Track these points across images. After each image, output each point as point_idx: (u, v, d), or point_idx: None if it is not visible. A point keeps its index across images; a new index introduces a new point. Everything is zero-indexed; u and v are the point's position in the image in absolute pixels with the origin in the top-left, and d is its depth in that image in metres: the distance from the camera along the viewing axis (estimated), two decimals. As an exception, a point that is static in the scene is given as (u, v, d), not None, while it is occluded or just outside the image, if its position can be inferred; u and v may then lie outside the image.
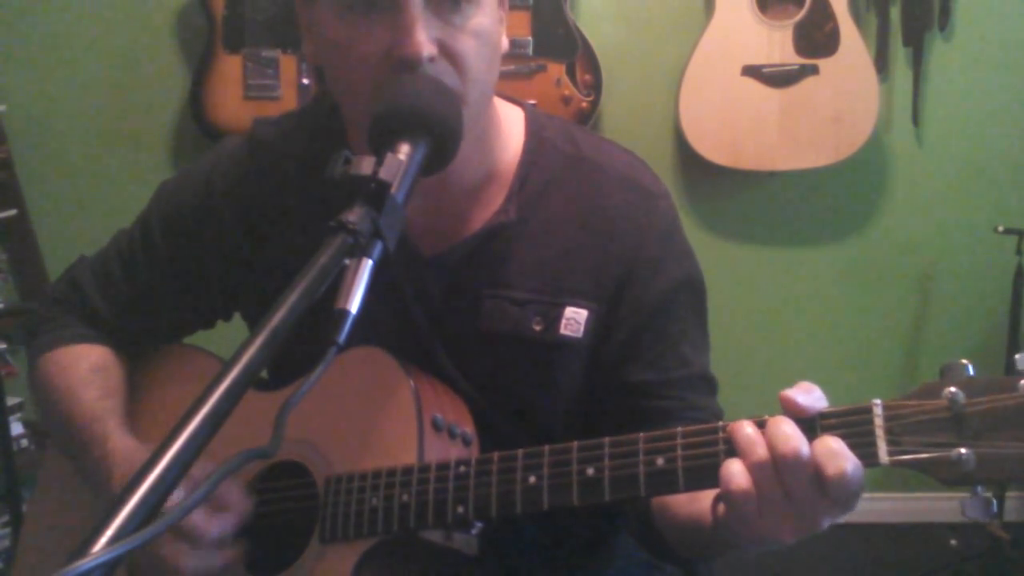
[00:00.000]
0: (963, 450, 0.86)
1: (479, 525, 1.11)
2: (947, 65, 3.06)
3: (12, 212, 2.89)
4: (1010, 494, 3.02)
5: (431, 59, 1.06)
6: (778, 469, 0.90)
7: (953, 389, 0.88)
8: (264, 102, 2.80)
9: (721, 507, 0.98)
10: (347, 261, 0.88)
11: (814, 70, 2.85)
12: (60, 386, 1.32)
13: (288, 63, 2.82)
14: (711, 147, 2.91)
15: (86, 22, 3.00)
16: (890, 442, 0.89)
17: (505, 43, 1.18)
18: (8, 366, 2.82)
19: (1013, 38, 3.05)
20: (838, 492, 0.89)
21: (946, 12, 2.99)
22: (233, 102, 2.82)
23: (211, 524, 1.12)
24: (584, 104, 2.85)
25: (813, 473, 0.89)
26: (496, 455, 1.07)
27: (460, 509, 1.07)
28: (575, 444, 1.03)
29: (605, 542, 1.40)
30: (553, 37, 2.82)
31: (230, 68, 2.82)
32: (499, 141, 1.25)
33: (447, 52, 1.08)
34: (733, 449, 0.94)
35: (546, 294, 1.22)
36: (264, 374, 1.11)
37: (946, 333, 3.21)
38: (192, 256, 1.33)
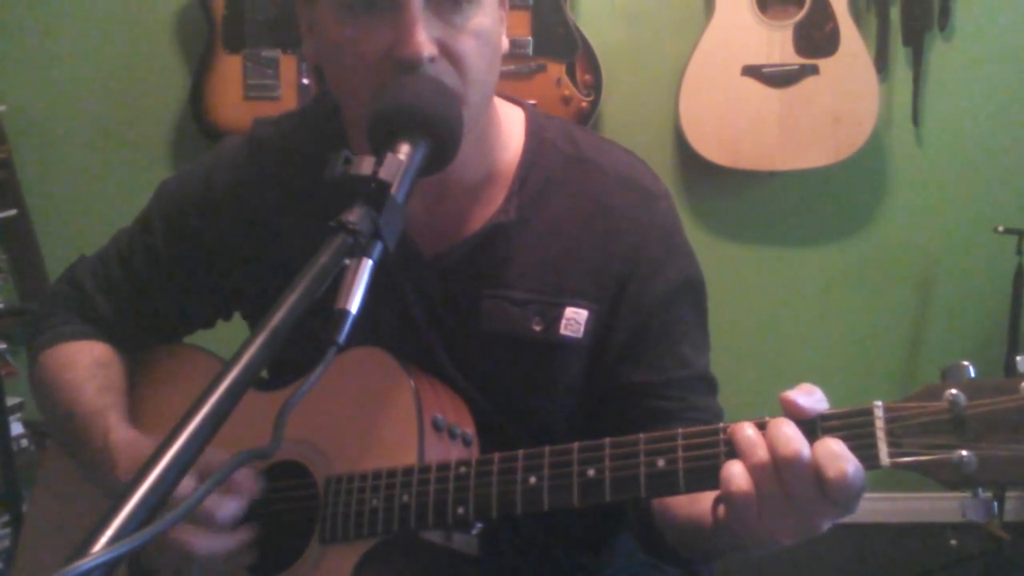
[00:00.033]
0: (964, 452, 0.86)
1: (479, 525, 1.11)
2: (947, 65, 3.05)
3: (12, 212, 2.90)
4: (1010, 494, 3.02)
5: (431, 59, 1.06)
6: (779, 471, 0.90)
7: (954, 391, 0.87)
8: (264, 102, 2.80)
9: (721, 508, 0.98)
10: (347, 261, 0.88)
11: (814, 70, 2.85)
12: (61, 381, 1.32)
13: (288, 63, 2.82)
14: (711, 147, 2.91)
15: (86, 22, 2.99)
16: (891, 444, 0.89)
17: (505, 43, 1.18)
18: (8, 366, 2.82)
19: (1013, 38, 3.05)
20: (839, 494, 0.89)
21: (946, 12, 2.99)
22: (233, 102, 2.82)
23: (222, 505, 1.12)
24: (584, 104, 2.85)
25: (814, 475, 0.89)
26: (496, 456, 1.07)
27: (460, 510, 1.07)
28: (576, 445, 1.03)
29: (605, 542, 1.40)
30: (553, 37, 2.82)
31: (230, 68, 2.82)
32: (499, 141, 1.25)
33: (448, 52, 1.08)
34: (734, 451, 0.93)
35: (546, 294, 1.22)
36: (264, 374, 1.11)
37: (946, 333, 3.21)
38: (192, 256, 1.33)
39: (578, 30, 2.83)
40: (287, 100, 2.81)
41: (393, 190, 0.92)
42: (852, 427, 0.91)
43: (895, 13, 2.99)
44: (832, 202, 3.15)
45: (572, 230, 1.23)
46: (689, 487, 0.97)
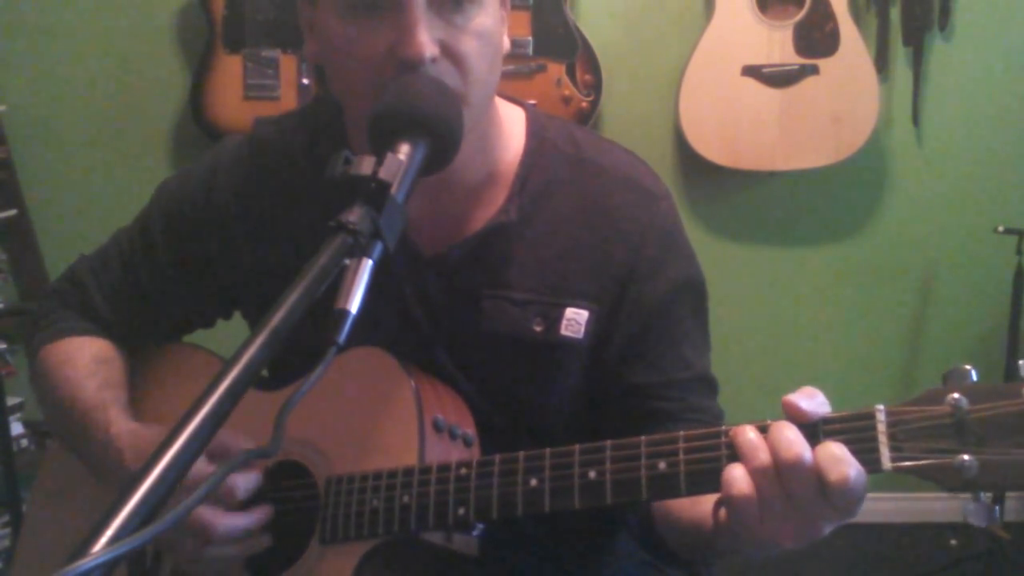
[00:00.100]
0: (966, 457, 0.86)
1: (480, 526, 1.11)
2: (947, 65, 3.05)
3: (12, 212, 2.90)
4: (1010, 494, 3.02)
5: (433, 60, 1.06)
6: (780, 474, 0.90)
7: (956, 395, 0.87)
8: (264, 102, 2.80)
9: (723, 511, 0.97)
10: (347, 261, 0.88)
11: (814, 70, 2.85)
12: (61, 376, 1.32)
13: (288, 63, 2.82)
14: (711, 147, 2.91)
15: (86, 22, 2.99)
16: (893, 448, 0.89)
17: (507, 43, 1.18)
18: (8, 366, 2.82)
19: (1013, 38, 3.05)
20: (840, 498, 0.89)
21: (946, 12, 2.99)
22: (233, 102, 2.82)
23: (239, 480, 1.12)
24: (584, 104, 2.85)
25: (815, 479, 0.89)
26: (497, 457, 1.07)
27: (461, 511, 1.06)
28: (577, 447, 1.03)
29: (606, 543, 1.40)
30: (553, 37, 2.82)
31: (230, 68, 2.82)
32: (500, 141, 1.24)
33: (449, 53, 1.08)
34: (735, 454, 0.93)
35: (547, 295, 1.22)
36: (264, 373, 1.11)
37: (946, 333, 3.21)
38: (192, 255, 1.33)
39: (578, 30, 2.83)
40: (287, 100, 2.81)
41: (393, 190, 0.92)
42: (854, 431, 0.91)
43: (895, 13, 2.99)
44: (832, 202, 3.15)
45: (573, 230, 1.23)
46: (690, 490, 0.97)
